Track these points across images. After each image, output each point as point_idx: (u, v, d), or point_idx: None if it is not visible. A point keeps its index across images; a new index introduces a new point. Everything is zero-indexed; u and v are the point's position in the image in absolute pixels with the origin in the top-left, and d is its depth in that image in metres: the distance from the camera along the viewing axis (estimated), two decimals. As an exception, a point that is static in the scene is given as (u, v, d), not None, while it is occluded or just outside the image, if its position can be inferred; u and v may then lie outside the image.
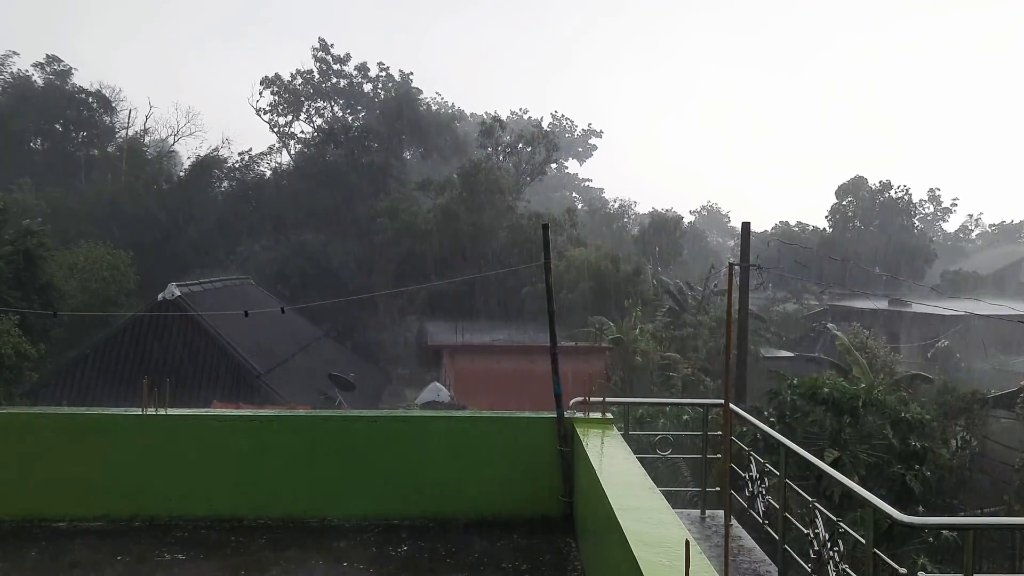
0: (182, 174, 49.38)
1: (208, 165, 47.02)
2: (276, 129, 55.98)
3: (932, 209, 72.97)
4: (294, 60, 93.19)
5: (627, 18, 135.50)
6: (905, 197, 64.39)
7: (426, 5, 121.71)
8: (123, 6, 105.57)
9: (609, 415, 6.75)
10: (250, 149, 52.94)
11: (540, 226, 8.33)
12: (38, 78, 49.00)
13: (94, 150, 49.08)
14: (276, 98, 55.48)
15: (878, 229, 60.98)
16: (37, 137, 47.47)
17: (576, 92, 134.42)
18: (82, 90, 49.84)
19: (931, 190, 72.76)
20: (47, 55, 49.67)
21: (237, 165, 48.98)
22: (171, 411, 6.50)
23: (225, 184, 48.14)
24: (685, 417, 16.17)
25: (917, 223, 66.57)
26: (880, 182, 64.74)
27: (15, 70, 48.64)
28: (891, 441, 13.81)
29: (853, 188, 65.32)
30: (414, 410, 18.83)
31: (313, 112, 56.34)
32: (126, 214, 41.13)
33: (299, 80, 56.44)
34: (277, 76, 55.64)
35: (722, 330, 26.81)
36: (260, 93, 55.73)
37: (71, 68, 49.86)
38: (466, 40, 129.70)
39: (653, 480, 5.18)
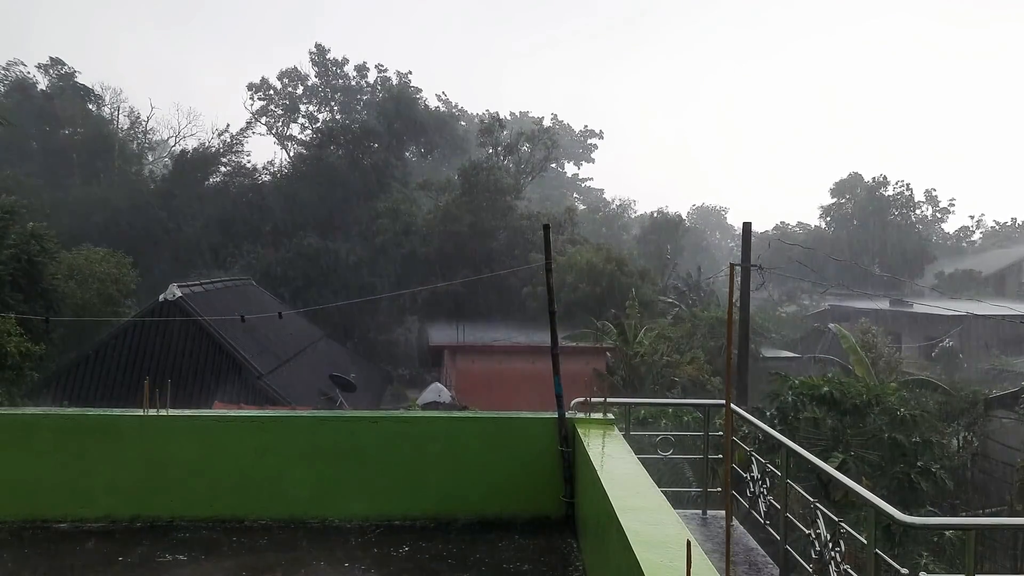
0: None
1: (194, 159, 46.80)
2: (275, 131, 56.15)
3: (930, 211, 72.84)
4: (293, 62, 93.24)
5: (625, 19, 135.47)
6: (906, 192, 64.30)
7: (424, 7, 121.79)
8: (124, 7, 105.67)
9: (610, 415, 6.74)
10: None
11: (541, 226, 8.34)
12: (41, 81, 49.13)
13: (94, 151, 49.02)
14: (273, 101, 55.70)
15: (876, 227, 60.93)
16: (37, 138, 47.46)
17: (573, 94, 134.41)
18: (83, 91, 49.90)
19: (928, 191, 72.59)
20: (50, 58, 49.79)
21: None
22: (172, 412, 6.50)
23: (216, 176, 48.05)
24: (687, 418, 16.15)
25: (916, 223, 66.50)
26: (874, 179, 64.71)
27: (18, 72, 48.74)
28: (894, 439, 13.79)
29: (849, 186, 65.27)
30: (415, 411, 18.83)
31: (312, 113, 56.55)
32: (126, 215, 41.16)
33: (297, 82, 56.66)
34: (266, 81, 55.87)
35: (723, 330, 26.80)
36: (251, 98, 55.94)
37: (74, 71, 49.99)
38: (463, 42, 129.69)
39: (655, 480, 5.18)
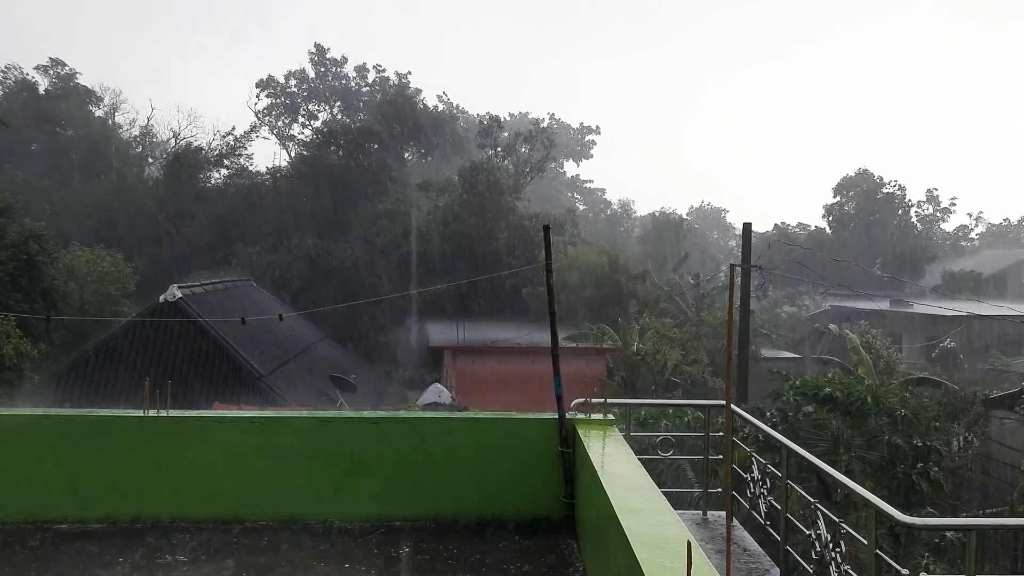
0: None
1: (194, 160, 46.80)
2: (275, 131, 56.18)
3: (931, 210, 72.69)
4: (292, 63, 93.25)
5: (624, 19, 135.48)
6: (899, 193, 64.29)
7: (421, 7, 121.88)
8: (125, 8, 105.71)
9: (611, 416, 6.74)
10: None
11: (541, 227, 8.34)
12: (41, 82, 49.18)
13: (94, 151, 49.06)
14: (273, 100, 55.73)
15: (877, 227, 60.86)
16: (38, 139, 47.46)
17: (574, 96, 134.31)
18: (83, 92, 49.92)
19: (929, 190, 72.41)
20: (50, 58, 49.81)
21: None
22: (173, 412, 6.50)
23: (218, 177, 48.03)
24: (687, 418, 16.14)
25: (916, 223, 66.39)
26: (877, 179, 64.64)
27: (16, 75, 48.78)
28: (897, 441, 13.78)
29: (855, 182, 65.12)
30: (416, 411, 18.81)
31: (311, 114, 56.54)
32: (125, 215, 41.14)
33: (296, 82, 56.67)
34: (273, 79, 55.85)
35: (724, 331, 26.79)
36: (257, 96, 55.96)
37: (74, 72, 50.02)
38: (464, 43, 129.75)
39: (655, 481, 5.18)
